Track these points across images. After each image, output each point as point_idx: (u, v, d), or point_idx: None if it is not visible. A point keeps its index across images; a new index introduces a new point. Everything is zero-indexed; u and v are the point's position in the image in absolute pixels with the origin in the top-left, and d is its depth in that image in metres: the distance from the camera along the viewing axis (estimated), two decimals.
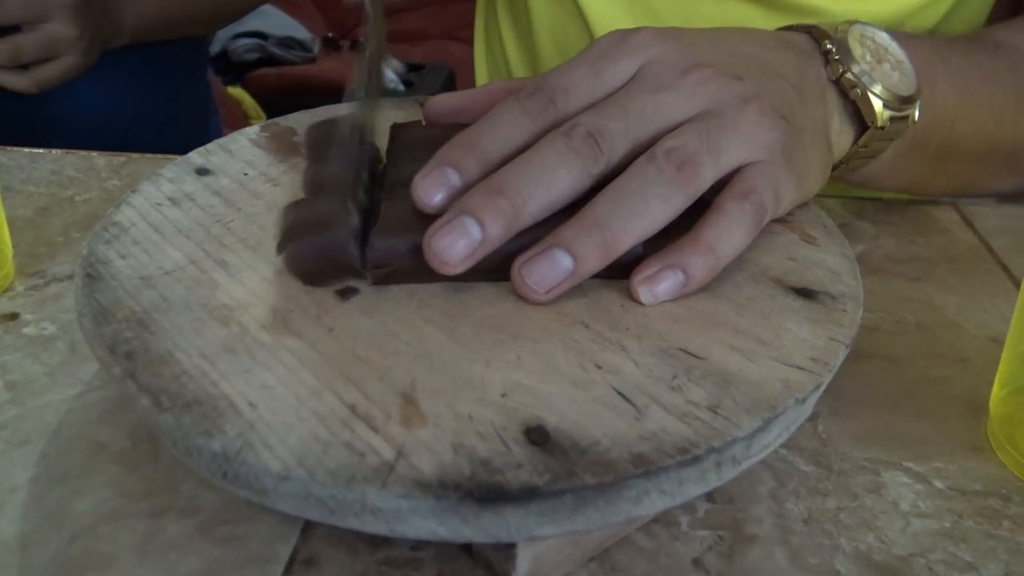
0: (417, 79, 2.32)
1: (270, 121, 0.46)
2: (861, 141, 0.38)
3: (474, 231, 0.29)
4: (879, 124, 0.37)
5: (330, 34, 2.44)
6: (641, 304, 0.30)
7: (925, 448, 0.33)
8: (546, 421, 0.25)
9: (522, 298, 0.30)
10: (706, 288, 0.31)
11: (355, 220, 0.32)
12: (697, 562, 0.28)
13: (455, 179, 0.31)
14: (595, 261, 0.29)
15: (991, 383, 0.35)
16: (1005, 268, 0.44)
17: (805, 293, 0.32)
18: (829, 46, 0.37)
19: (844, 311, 0.31)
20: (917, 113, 0.38)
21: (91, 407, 0.34)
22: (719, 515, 0.29)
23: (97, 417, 0.33)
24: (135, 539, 0.28)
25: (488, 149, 0.31)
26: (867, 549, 0.28)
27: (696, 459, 0.24)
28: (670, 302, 0.30)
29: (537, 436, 0.25)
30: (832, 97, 0.37)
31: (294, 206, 0.32)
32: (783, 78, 0.34)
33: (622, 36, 0.33)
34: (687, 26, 0.37)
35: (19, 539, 0.28)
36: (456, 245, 0.29)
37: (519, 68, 0.67)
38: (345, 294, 0.31)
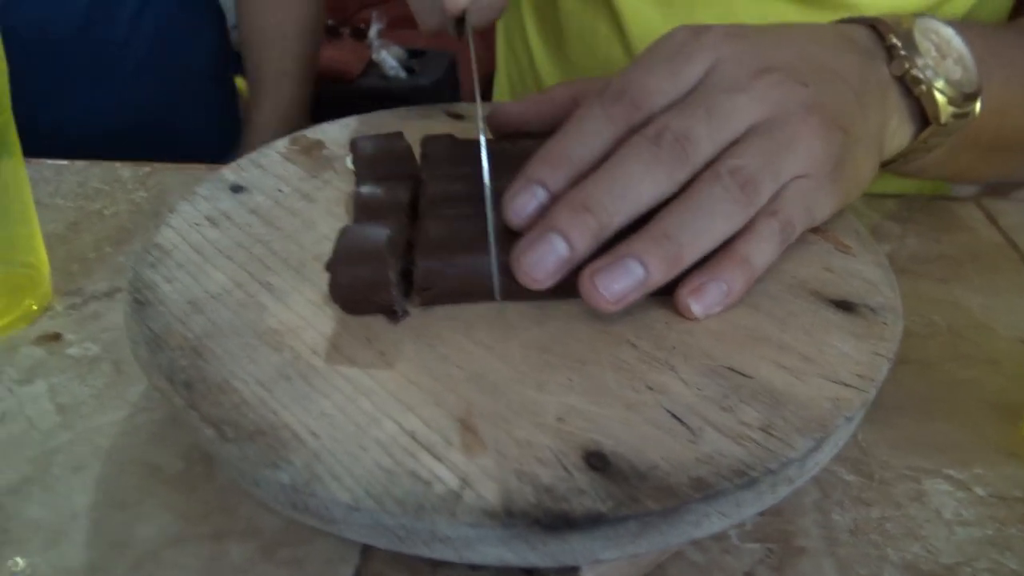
0: (418, 66, 2.31)
1: (298, 134, 0.46)
2: (921, 137, 0.38)
3: (561, 248, 0.30)
4: (942, 121, 0.37)
5: (330, 21, 2.42)
6: (687, 319, 0.31)
7: (963, 455, 0.33)
8: (603, 445, 0.26)
9: (590, 306, 0.30)
10: (747, 303, 0.32)
11: (399, 251, 0.33)
12: (749, 575, 0.29)
13: (544, 196, 0.31)
14: (663, 273, 0.30)
15: (1022, 386, 0.35)
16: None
17: (845, 306, 0.32)
18: (895, 40, 0.37)
19: (885, 324, 0.31)
20: (978, 108, 0.38)
21: (141, 429, 0.35)
22: (767, 528, 0.30)
23: (148, 439, 0.34)
24: (199, 564, 0.29)
25: (576, 161, 0.31)
26: (914, 559, 0.29)
27: (753, 481, 0.25)
28: (713, 319, 0.31)
29: (597, 461, 0.25)
30: (894, 96, 0.37)
31: (345, 232, 0.32)
32: (846, 83, 0.34)
33: (693, 34, 0.33)
34: (723, 20, 0.36)
35: (87, 567, 0.28)
36: (544, 261, 0.29)
37: (546, 66, 0.67)
38: (393, 316, 0.32)
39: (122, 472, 0.33)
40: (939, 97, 0.37)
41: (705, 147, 0.31)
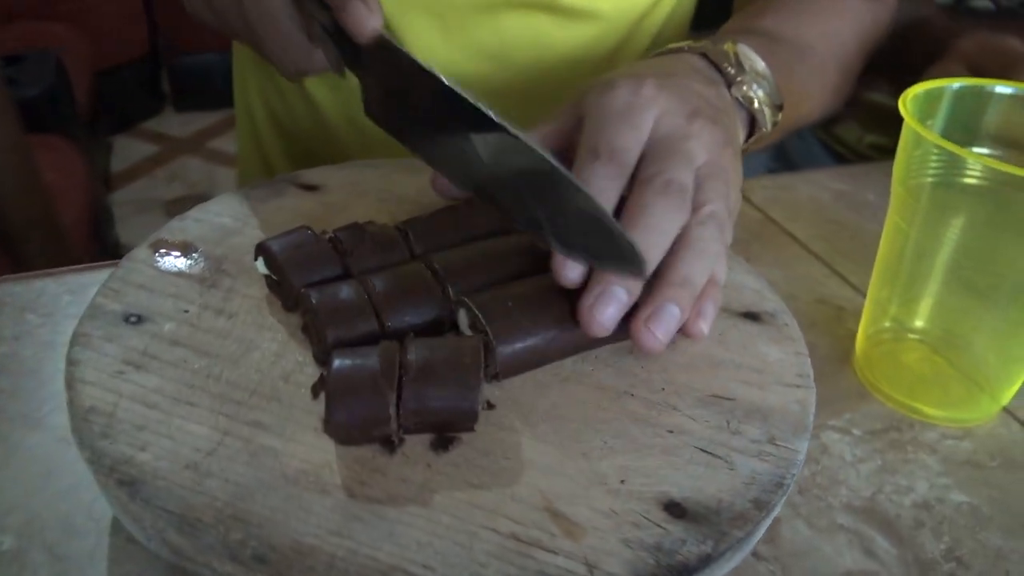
0: (19, 73, 2.01)
1: (157, 238, 0.42)
2: (751, 141, 0.48)
3: (622, 296, 0.34)
4: (768, 129, 0.47)
5: None
6: (651, 354, 0.36)
7: (833, 407, 0.43)
8: (672, 495, 0.30)
9: (642, 350, 0.35)
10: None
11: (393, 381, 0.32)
12: (756, 554, 0.35)
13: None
14: (688, 311, 0.35)
15: (845, 339, 0.46)
16: (793, 237, 0.57)
17: (752, 316, 0.40)
18: (729, 68, 0.45)
19: (786, 325, 0.39)
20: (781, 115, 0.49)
21: None
22: None
23: None
24: None
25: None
26: (847, 499, 0.38)
27: (786, 488, 0.31)
28: (672, 353, 0.37)
29: (675, 511, 0.30)
30: (735, 112, 0.46)
31: (334, 364, 0.32)
32: (723, 112, 0.42)
33: (634, 90, 0.39)
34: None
35: None
36: (610, 311, 0.34)
37: (319, 100, 0.66)
38: (390, 446, 0.32)
39: None
40: (766, 110, 0.46)
41: (691, 190, 0.37)
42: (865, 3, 0.66)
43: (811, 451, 0.40)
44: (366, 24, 0.36)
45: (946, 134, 0.42)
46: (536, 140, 0.34)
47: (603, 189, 0.36)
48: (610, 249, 0.34)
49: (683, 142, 0.38)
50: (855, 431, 0.42)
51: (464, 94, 0.34)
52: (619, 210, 0.36)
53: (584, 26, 0.64)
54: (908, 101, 0.39)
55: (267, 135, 0.72)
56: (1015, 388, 0.43)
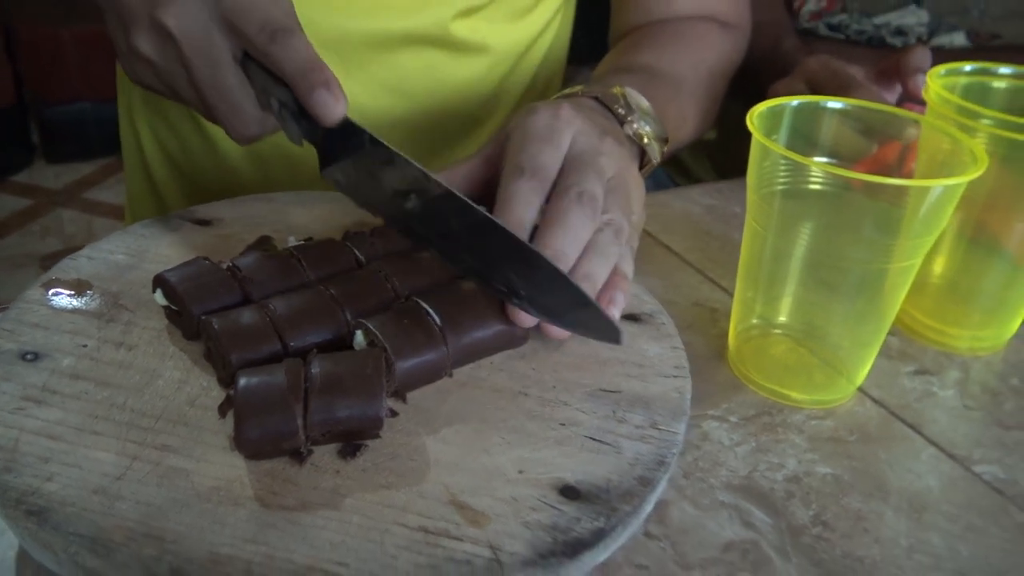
0: None
1: (51, 276, 0.42)
2: (643, 172, 0.52)
3: None
4: (656, 160, 0.52)
5: None
6: (558, 339, 0.40)
7: (712, 398, 0.47)
8: (566, 479, 0.33)
9: (549, 337, 0.40)
10: (577, 336, 0.41)
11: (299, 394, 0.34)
12: (648, 534, 0.38)
13: None
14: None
15: (719, 337, 0.51)
16: (669, 249, 0.62)
17: (633, 318, 0.43)
18: (620, 110, 0.50)
19: (663, 324, 0.43)
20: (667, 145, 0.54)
21: None
22: None
23: None
24: None
25: (527, 224, 0.41)
26: (727, 479, 0.42)
27: (668, 465, 0.34)
28: (563, 354, 0.40)
29: (570, 493, 0.33)
30: (630, 145, 0.51)
31: (242, 382, 0.33)
32: (622, 143, 0.47)
33: (554, 113, 0.45)
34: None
35: None
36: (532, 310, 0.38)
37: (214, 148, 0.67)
38: (299, 457, 0.33)
39: None
40: (654, 144, 0.51)
41: (601, 199, 0.42)
42: (724, 33, 0.73)
43: (693, 439, 0.44)
44: (333, 112, 0.38)
45: (790, 145, 0.47)
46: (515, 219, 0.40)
47: (528, 202, 0.41)
48: (588, 321, 0.37)
49: (596, 157, 0.43)
50: (732, 418, 0.46)
51: (431, 173, 0.38)
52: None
53: (474, 60, 0.68)
54: (755, 117, 0.43)
55: (160, 174, 0.72)
56: (866, 369, 0.48)
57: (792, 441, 0.44)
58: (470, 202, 0.37)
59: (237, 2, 0.39)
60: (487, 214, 0.37)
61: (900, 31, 0.94)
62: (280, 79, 0.39)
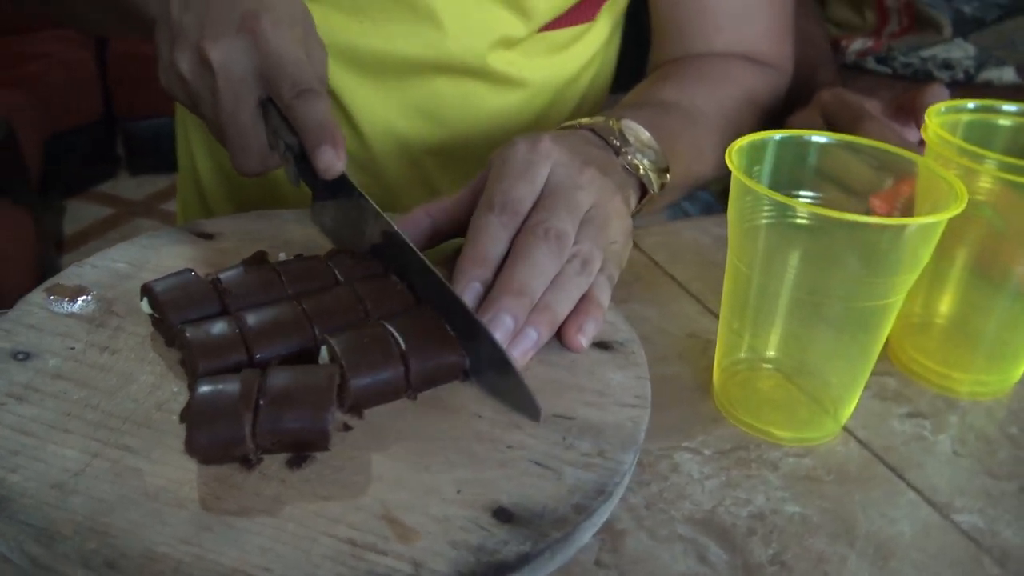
0: None
1: (53, 282, 0.45)
2: (644, 202, 0.53)
3: (509, 323, 0.40)
4: (655, 191, 0.53)
5: None
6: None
7: (688, 429, 0.47)
8: (502, 501, 0.34)
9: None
10: (541, 360, 0.41)
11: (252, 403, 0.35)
12: (599, 562, 0.38)
13: (480, 289, 0.41)
14: (546, 334, 0.42)
15: (708, 369, 0.50)
16: (672, 278, 0.61)
17: (604, 346, 0.43)
18: (615, 141, 0.51)
19: (633, 352, 0.43)
20: (668, 176, 0.54)
21: None
22: None
23: None
24: None
25: (494, 259, 0.42)
26: (690, 513, 0.41)
27: (610, 495, 0.35)
28: (527, 378, 0.40)
29: (503, 515, 0.33)
30: (626, 177, 0.51)
31: (198, 390, 0.35)
32: (609, 174, 0.48)
33: (532, 146, 0.45)
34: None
35: None
36: (497, 335, 0.40)
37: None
38: (248, 464, 0.35)
39: None
40: (651, 175, 0.52)
41: (571, 234, 0.43)
42: (757, 70, 0.72)
43: (662, 470, 0.44)
44: (333, 167, 0.43)
45: (775, 175, 0.46)
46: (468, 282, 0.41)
47: (495, 237, 0.42)
48: (512, 389, 0.39)
49: (573, 192, 0.44)
50: (706, 451, 0.45)
51: (405, 238, 0.42)
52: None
53: (512, 92, 0.70)
54: (733, 153, 0.43)
55: (208, 182, 0.75)
56: (852, 407, 0.47)
57: (764, 477, 0.44)
58: (431, 266, 0.41)
59: (279, 59, 0.44)
60: (445, 282, 0.41)
61: (947, 64, 0.91)
62: (292, 128, 0.44)
